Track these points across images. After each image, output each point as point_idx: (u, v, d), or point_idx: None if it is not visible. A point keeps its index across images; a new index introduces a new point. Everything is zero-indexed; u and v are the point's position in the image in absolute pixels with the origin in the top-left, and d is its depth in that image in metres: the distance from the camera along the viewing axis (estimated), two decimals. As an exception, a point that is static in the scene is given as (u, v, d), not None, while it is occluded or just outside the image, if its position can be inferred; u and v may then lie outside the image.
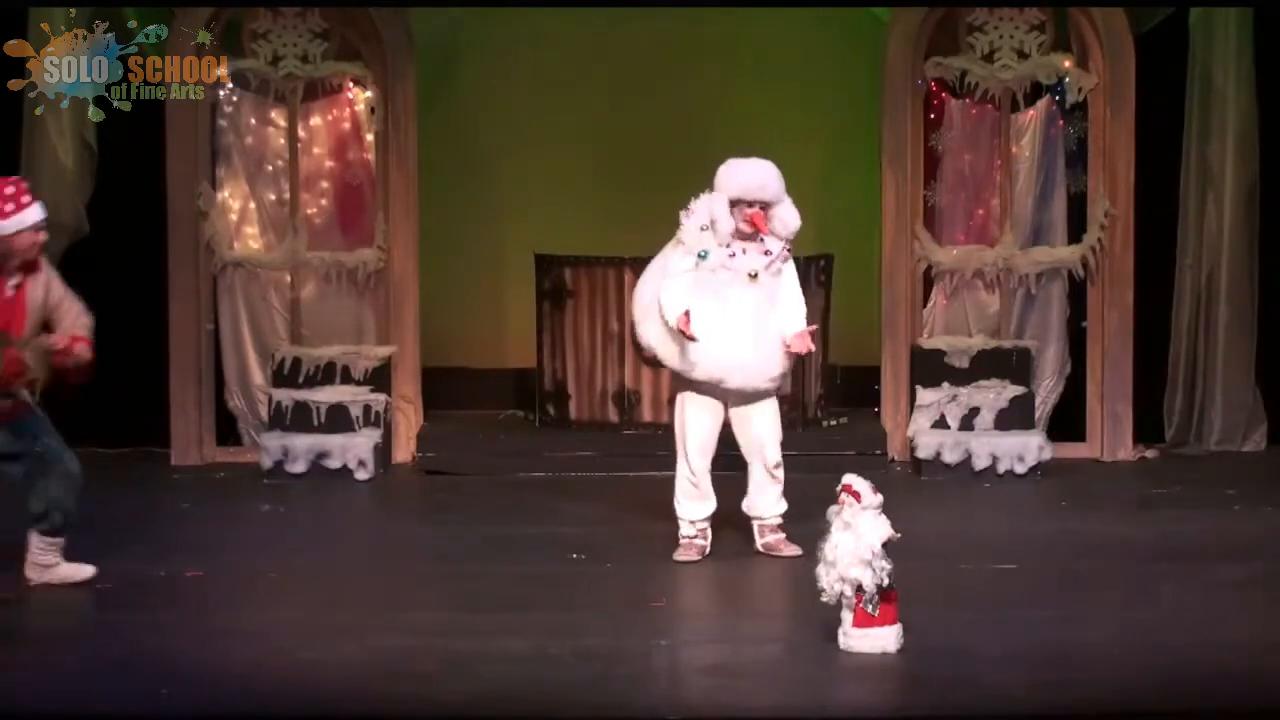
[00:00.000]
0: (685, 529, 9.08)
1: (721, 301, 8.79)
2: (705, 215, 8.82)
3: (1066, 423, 12.04)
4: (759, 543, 9.11)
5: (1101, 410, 12.00)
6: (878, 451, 11.80)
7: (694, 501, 9.04)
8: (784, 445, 9.18)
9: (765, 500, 9.09)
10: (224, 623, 7.82)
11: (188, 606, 8.16)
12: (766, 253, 8.87)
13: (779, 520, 9.11)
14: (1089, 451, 11.99)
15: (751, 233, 8.82)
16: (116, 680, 7.05)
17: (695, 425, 8.99)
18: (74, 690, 6.88)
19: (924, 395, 11.66)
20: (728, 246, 8.80)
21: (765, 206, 8.81)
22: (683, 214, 8.91)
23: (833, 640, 7.27)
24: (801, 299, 9.04)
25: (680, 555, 9.02)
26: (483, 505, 10.54)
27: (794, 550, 8.91)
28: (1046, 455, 11.48)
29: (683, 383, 9.04)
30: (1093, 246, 11.92)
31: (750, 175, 8.82)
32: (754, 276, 8.81)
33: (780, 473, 9.08)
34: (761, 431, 9.04)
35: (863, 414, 12.19)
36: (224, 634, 7.63)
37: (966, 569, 8.20)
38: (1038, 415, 11.84)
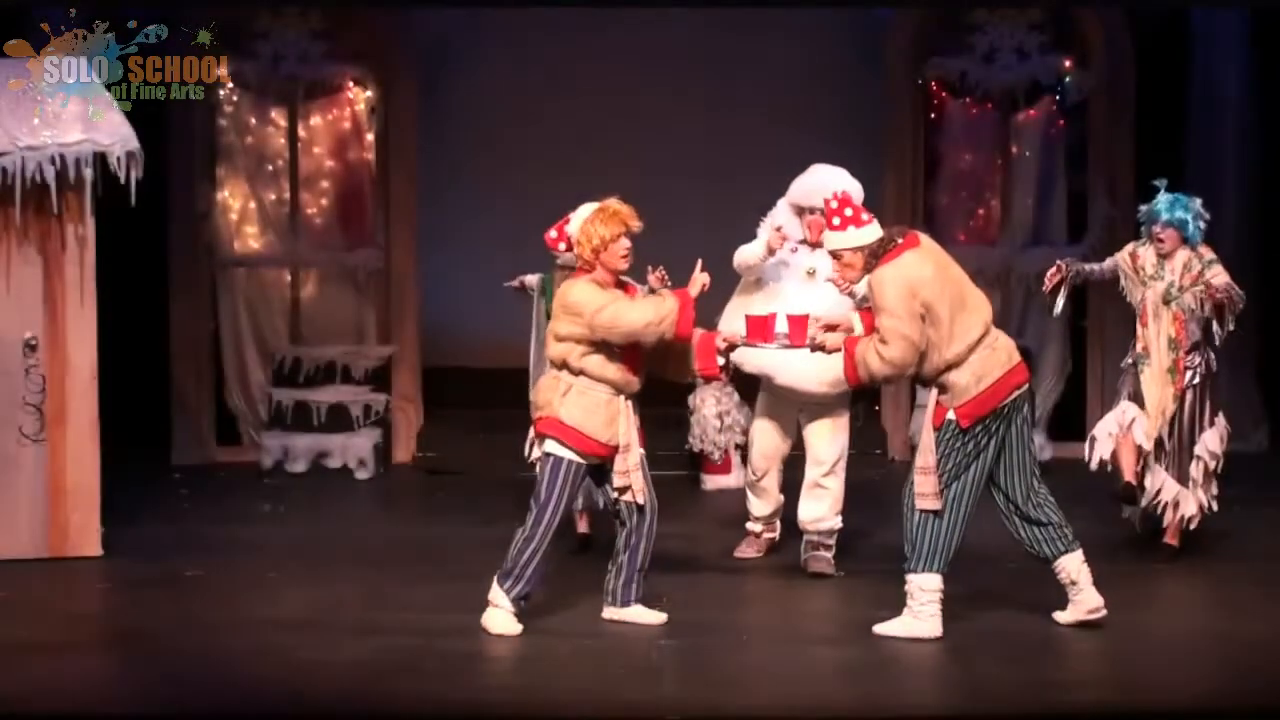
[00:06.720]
0: (750, 525, 9.13)
1: (776, 297, 8.61)
2: (775, 218, 8.77)
3: (1066, 423, 12.04)
4: (801, 557, 8.87)
5: (1101, 410, 11.97)
6: (878, 451, 11.78)
7: (756, 499, 9.06)
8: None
9: (807, 509, 8.83)
10: (224, 622, 7.82)
11: (188, 606, 8.15)
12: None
13: (822, 536, 8.82)
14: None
15: (815, 240, 8.59)
16: (116, 680, 7.06)
17: (761, 428, 8.98)
18: (74, 690, 6.88)
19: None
20: (794, 248, 8.69)
21: None
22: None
23: (832, 640, 7.27)
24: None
25: (739, 551, 9.10)
26: (483, 505, 10.53)
27: (822, 567, 8.76)
28: (1046, 455, 11.47)
29: (761, 385, 8.95)
30: (1093, 246, 11.92)
31: (804, 182, 8.72)
32: (811, 274, 8.65)
33: (829, 482, 8.79)
34: (814, 441, 8.84)
35: (863, 414, 12.18)
36: (224, 634, 7.63)
37: (967, 569, 8.18)
38: (1038, 415, 11.81)
